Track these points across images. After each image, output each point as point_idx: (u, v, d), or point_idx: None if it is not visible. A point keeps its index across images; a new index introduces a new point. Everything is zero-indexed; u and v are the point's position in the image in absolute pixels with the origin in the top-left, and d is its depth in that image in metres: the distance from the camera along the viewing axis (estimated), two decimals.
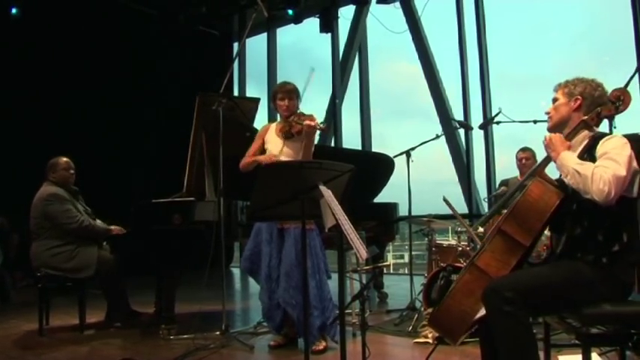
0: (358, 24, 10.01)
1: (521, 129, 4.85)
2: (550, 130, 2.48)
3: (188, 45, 10.13)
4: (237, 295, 7.66)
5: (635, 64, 6.80)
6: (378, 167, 6.26)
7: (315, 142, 4.16)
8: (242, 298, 7.32)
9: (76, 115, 8.49)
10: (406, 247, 7.09)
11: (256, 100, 5.18)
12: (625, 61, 7.11)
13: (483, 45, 8.34)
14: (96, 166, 7.10)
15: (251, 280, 4.40)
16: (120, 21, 9.15)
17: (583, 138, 2.36)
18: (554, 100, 2.48)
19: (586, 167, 2.17)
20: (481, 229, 4.39)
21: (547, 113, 2.51)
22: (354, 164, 2.78)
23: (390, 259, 10.35)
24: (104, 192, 6.89)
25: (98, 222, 4.86)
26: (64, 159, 4.86)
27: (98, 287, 4.83)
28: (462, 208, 8.32)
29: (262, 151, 4.12)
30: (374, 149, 9.53)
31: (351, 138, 10.19)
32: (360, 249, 2.28)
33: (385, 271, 7.17)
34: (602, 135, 2.35)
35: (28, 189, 4.91)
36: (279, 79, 4.59)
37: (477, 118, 8.33)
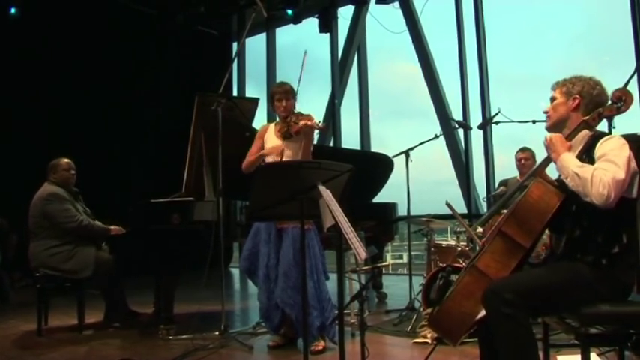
0: (357, 24, 10.01)
1: (520, 129, 4.86)
2: (548, 129, 2.47)
3: (187, 45, 10.13)
4: (236, 295, 7.66)
5: (634, 64, 6.81)
6: (377, 167, 6.26)
7: (314, 142, 4.16)
8: (241, 299, 7.32)
9: (74, 115, 8.48)
10: (405, 247, 7.09)
11: (255, 100, 5.18)
12: (624, 61, 7.12)
13: (482, 45, 8.35)
14: (95, 166, 7.08)
15: (250, 280, 4.39)
16: (119, 21, 9.14)
17: (583, 137, 2.35)
18: (552, 99, 2.47)
19: (586, 170, 2.16)
20: (480, 229, 4.39)
21: (545, 112, 2.49)
22: (353, 164, 2.78)
23: (389, 259, 10.35)
24: (103, 192, 6.90)
25: (97, 223, 4.86)
26: (65, 160, 4.86)
27: (97, 287, 4.83)
28: (461, 208, 8.33)
29: None
30: (373, 149, 9.54)
31: (350, 138, 10.21)
32: (359, 249, 2.27)
33: (384, 271, 7.16)
34: (601, 135, 2.34)
35: (27, 189, 4.91)
36: (279, 79, 4.58)
37: (476, 119, 8.34)
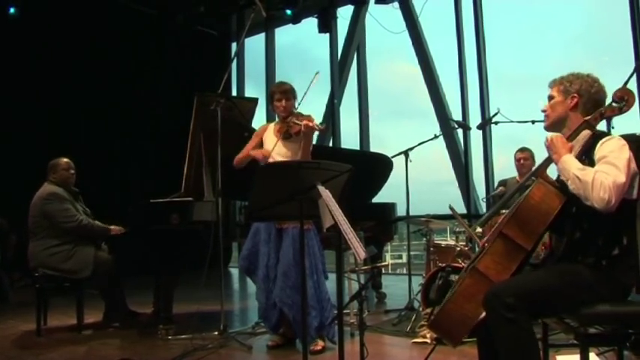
0: (357, 24, 10.00)
1: (519, 129, 4.86)
2: (547, 128, 2.45)
3: (186, 45, 10.13)
4: (236, 296, 7.66)
5: (633, 64, 6.81)
6: (377, 167, 6.26)
7: (314, 142, 4.16)
8: (240, 299, 7.32)
9: (74, 115, 8.49)
10: (404, 247, 7.09)
11: (254, 100, 5.18)
12: (623, 61, 7.12)
13: (482, 45, 8.35)
14: (95, 166, 7.09)
15: (249, 281, 4.40)
16: (118, 21, 9.14)
17: (583, 137, 2.33)
18: (550, 97, 2.45)
19: (587, 173, 2.14)
20: (479, 230, 4.39)
21: (543, 111, 2.47)
22: (352, 164, 2.78)
23: (388, 259, 10.36)
24: (103, 192, 6.90)
25: (98, 223, 4.86)
26: (65, 160, 4.86)
27: (96, 287, 4.83)
28: (460, 208, 8.30)
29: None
30: (372, 149, 9.54)
31: (349, 138, 10.20)
32: (359, 249, 2.27)
33: (383, 271, 7.18)
34: (601, 134, 2.32)
35: (26, 189, 4.91)
36: (278, 79, 4.58)
37: (475, 119, 8.34)
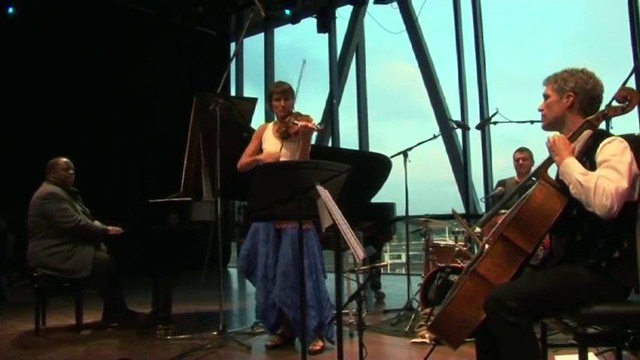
0: (355, 24, 10.01)
1: (518, 129, 4.86)
2: (545, 128, 2.43)
3: (185, 45, 10.12)
4: (235, 296, 7.65)
5: (631, 65, 6.82)
6: (375, 167, 6.26)
7: (312, 142, 4.15)
8: (239, 299, 7.31)
9: (73, 115, 8.48)
10: (403, 247, 7.09)
11: (253, 101, 5.18)
12: (622, 62, 7.13)
13: (481, 45, 8.35)
14: (94, 166, 7.08)
15: (248, 281, 4.39)
16: (117, 21, 9.14)
17: (584, 136, 2.30)
18: (546, 96, 2.41)
19: (589, 179, 2.12)
20: (478, 230, 4.39)
21: (540, 110, 2.44)
22: (351, 164, 2.78)
23: (387, 259, 10.36)
24: (102, 192, 6.89)
25: (96, 223, 4.86)
26: (64, 159, 4.86)
27: (95, 287, 4.82)
28: (459, 208, 8.33)
29: (260, 151, 4.12)
30: (371, 149, 9.54)
31: (348, 138, 10.21)
32: (357, 249, 2.28)
33: (382, 271, 7.17)
34: (602, 134, 2.30)
35: (25, 189, 4.90)
36: (277, 79, 4.58)
37: (474, 119, 8.34)
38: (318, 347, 3.89)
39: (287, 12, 9.64)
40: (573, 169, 2.19)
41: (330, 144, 9.84)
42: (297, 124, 3.83)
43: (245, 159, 4.10)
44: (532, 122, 4.57)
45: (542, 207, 2.23)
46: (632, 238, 2.23)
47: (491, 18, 8.60)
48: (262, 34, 10.97)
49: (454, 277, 3.80)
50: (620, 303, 2.19)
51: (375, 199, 6.51)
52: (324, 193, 2.53)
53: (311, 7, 9.81)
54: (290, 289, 3.83)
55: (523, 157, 5.42)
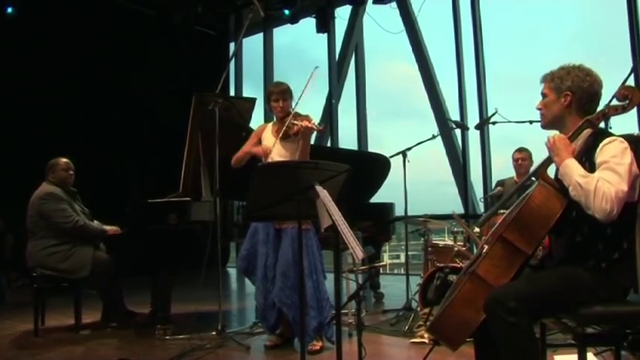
0: (354, 24, 10.01)
1: (517, 129, 4.87)
2: (544, 128, 2.42)
3: (184, 45, 10.12)
4: (234, 296, 7.65)
5: (630, 64, 6.82)
6: (375, 167, 6.26)
7: (312, 142, 4.15)
8: (238, 299, 7.31)
9: (72, 115, 8.48)
10: (402, 247, 7.10)
11: (252, 100, 5.18)
12: (621, 62, 7.13)
13: (480, 45, 8.35)
14: (93, 166, 7.08)
15: (247, 281, 4.40)
16: (116, 21, 9.13)
17: (584, 135, 2.28)
18: (543, 95, 2.39)
19: (589, 181, 2.10)
20: (477, 230, 4.40)
21: (539, 109, 2.42)
22: (350, 164, 2.78)
23: (386, 259, 10.36)
24: (101, 192, 6.89)
25: (95, 223, 4.85)
26: (64, 160, 4.85)
27: (94, 287, 4.82)
28: (458, 208, 8.34)
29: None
30: (370, 149, 9.53)
31: (347, 138, 10.21)
32: (356, 249, 2.28)
33: (381, 271, 7.17)
34: (602, 133, 2.28)
35: (24, 190, 4.89)
36: (276, 79, 4.58)
37: (473, 119, 8.34)
38: (317, 347, 3.89)
39: (286, 12, 9.64)
40: (573, 170, 2.17)
41: (329, 144, 9.85)
42: (296, 124, 3.83)
43: (238, 153, 4.11)
44: (531, 122, 4.57)
45: (541, 208, 2.22)
46: (632, 238, 2.23)
47: (491, 18, 8.62)
48: (261, 34, 10.97)
49: (453, 277, 3.80)
50: (619, 303, 2.19)
51: (374, 199, 6.51)
52: (323, 193, 2.53)
53: (310, 7, 9.80)
54: (290, 289, 3.83)
55: (522, 157, 5.42)
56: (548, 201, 2.22)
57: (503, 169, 10.31)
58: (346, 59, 10.14)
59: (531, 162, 5.33)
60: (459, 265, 4.27)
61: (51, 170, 4.81)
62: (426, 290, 4.50)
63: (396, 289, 6.47)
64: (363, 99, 9.99)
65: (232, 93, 10.71)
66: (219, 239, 4.32)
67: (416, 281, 5.16)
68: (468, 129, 7.39)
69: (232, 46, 11.44)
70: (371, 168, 6.19)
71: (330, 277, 3.69)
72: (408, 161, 5.41)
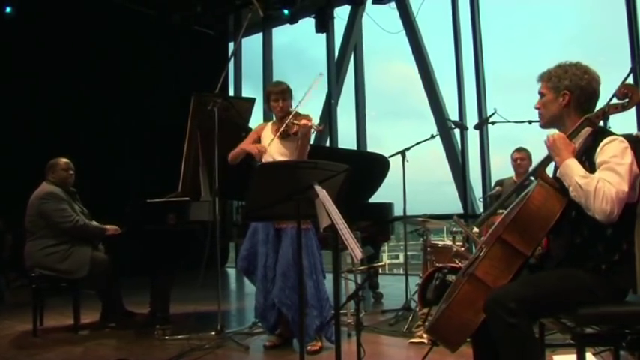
0: (354, 24, 10.01)
1: (516, 129, 4.87)
2: (543, 127, 2.41)
3: (184, 45, 10.12)
4: (233, 296, 7.65)
5: (629, 65, 6.83)
6: (374, 167, 6.26)
7: (311, 142, 4.15)
8: (237, 299, 7.31)
9: (71, 115, 8.47)
10: (401, 247, 7.11)
11: (251, 101, 5.18)
12: (619, 62, 7.13)
13: (479, 45, 8.36)
14: (91, 166, 7.07)
15: (246, 281, 4.40)
16: (115, 20, 9.12)
17: (584, 134, 2.27)
18: (541, 94, 2.38)
19: (589, 182, 2.09)
20: (476, 230, 4.40)
21: (537, 108, 2.41)
22: (349, 164, 2.78)
23: (385, 259, 10.36)
24: (100, 192, 6.89)
25: (94, 223, 4.85)
26: (64, 160, 4.85)
27: (93, 288, 4.81)
28: (457, 208, 8.35)
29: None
30: (369, 149, 9.52)
31: (346, 138, 10.21)
32: (355, 249, 2.27)
33: (380, 271, 7.16)
34: (602, 132, 2.27)
35: (23, 189, 4.89)
36: (275, 79, 4.57)
37: (472, 119, 8.35)
38: (316, 347, 3.89)
39: (285, 12, 9.64)
40: (573, 171, 2.15)
41: (328, 144, 9.84)
42: (296, 124, 3.83)
43: (235, 150, 4.10)
44: (530, 122, 4.57)
45: (540, 210, 2.21)
46: (631, 239, 2.22)
47: (489, 18, 8.61)
48: (260, 34, 10.96)
49: (452, 277, 3.80)
50: (618, 303, 2.19)
51: (373, 199, 6.51)
52: (322, 193, 2.53)
53: (309, 7, 9.80)
54: (290, 289, 3.82)
55: (521, 157, 5.42)
56: (547, 202, 2.21)
57: (502, 169, 10.31)
58: (345, 59, 10.14)
59: (530, 162, 5.34)
60: (457, 265, 4.27)
61: (51, 170, 4.80)
62: (425, 290, 4.50)
63: (395, 289, 6.47)
64: (362, 99, 9.99)
65: (231, 93, 10.71)
66: (218, 239, 4.31)
67: (415, 281, 5.16)
68: (467, 129, 7.38)
69: (231, 46, 11.43)
70: (370, 168, 6.19)
71: (329, 277, 3.69)
72: (407, 161, 5.42)
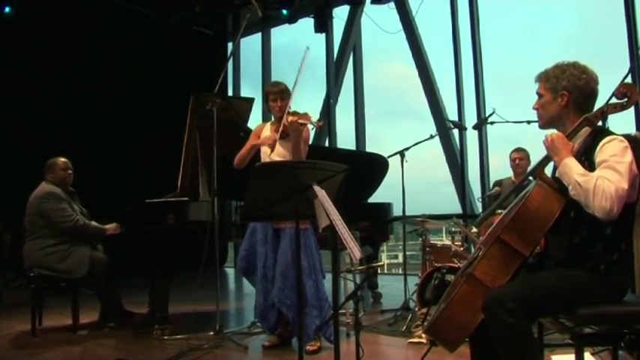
0: (352, 24, 10.01)
1: (515, 129, 4.88)
2: (542, 127, 2.40)
3: (182, 45, 10.11)
4: (231, 296, 7.65)
5: (627, 65, 6.83)
6: (372, 167, 6.26)
7: (310, 142, 4.14)
8: (236, 299, 7.31)
9: (70, 115, 8.47)
10: (400, 247, 7.11)
11: (250, 100, 5.17)
12: (618, 62, 7.14)
13: (477, 45, 8.36)
14: (91, 166, 7.07)
15: (245, 281, 4.40)
16: (114, 20, 9.12)
17: (583, 133, 2.27)
18: (539, 95, 2.37)
19: (588, 180, 2.09)
20: (475, 230, 4.41)
21: (535, 109, 2.40)
22: (348, 164, 2.78)
23: (384, 259, 10.36)
24: (99, 191, 6.88)
25: (94, 223, 4.84)
26: (63, 159, 4.84)
27: (91, 288, 4.81)
28: (456, 208, 8.36)
29: (257, 150, 4.10)
30: (368, 149, 9.53)
31: (345, 138, 10.22)
32: (354, 249, 2.28)
33: (379, 271, 7.17)
34: (602, 132, 2.27)
35: (22, 189, 4.89)
36: (274, 79, 4.57)
37: (471, 119, 8.36)
38: (315, 347, 3.89)
39: (284, 12, 9.64)
40: (572, 169, 2.15)
41: (327, 144, 9.85)
42: (294, 121, 3.78)
43: (241, 151, 4.07)
44: (529, 122, 4.58)
45: (539, 210, 2.20)
46: (630, 239, 2.22)
47: (488, 18, 8.60)
48: (259, 34, 10.96)
49: (451, 277, 3.81)
50: (617, 303, 2.19)
51: (372, 199, 6.52)
52: (321, 193, 2.54)
53: (308, 6, 9.80)
54: (289, 290, 3.82)
55: (520, 157, 5.42)
56: (546, 202, 2.21)
57: (500, 169, 10.30)
58: (344, 59, 10.14)
59: (529, 162, 5.34)
60: (456, 265, 4.28)
61: (50, 170, 4.80)
62: (424, 290, 4.51)
63: (393, 289, 6.47)
64: (361, 99, 9.99)
65: (230, 93, 10.72)
66: (216, 239, 4.31)
67: (414, 281, 5.16)
68: (465, 129, 7.39)
69: (230, 45, 11.42)
70: (369, 168, 6.19)
71: (328, 277, 3.69)
72: (406, 161, 5.42)
